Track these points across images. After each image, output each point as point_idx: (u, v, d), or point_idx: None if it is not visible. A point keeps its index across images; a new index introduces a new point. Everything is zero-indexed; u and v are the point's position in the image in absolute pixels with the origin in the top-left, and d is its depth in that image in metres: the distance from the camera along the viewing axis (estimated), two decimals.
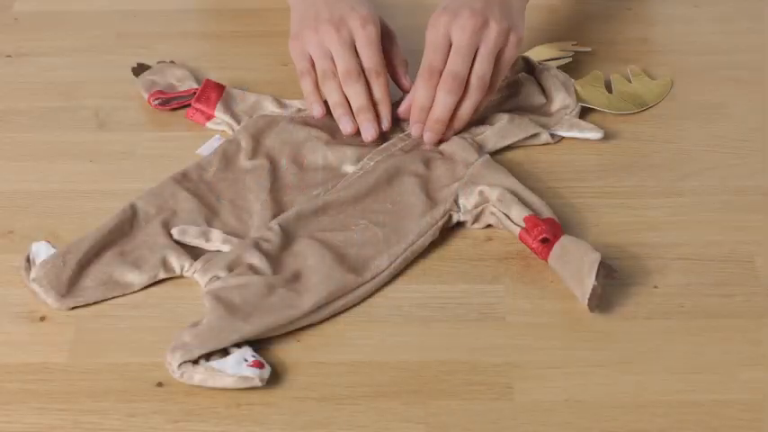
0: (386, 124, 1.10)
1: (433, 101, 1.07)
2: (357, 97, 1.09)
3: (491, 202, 1.01)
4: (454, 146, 1.07)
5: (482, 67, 1.06)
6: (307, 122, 1.11)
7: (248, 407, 0.88)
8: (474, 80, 1.06)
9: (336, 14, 1.12)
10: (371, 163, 1.06)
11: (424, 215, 1.01)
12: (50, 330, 0.93)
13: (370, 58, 1.11)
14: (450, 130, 1.08)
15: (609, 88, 1.15)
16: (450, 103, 1.06)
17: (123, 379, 0.90)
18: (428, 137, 1.08)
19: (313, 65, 1.12)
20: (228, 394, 0.88)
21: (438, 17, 1.07)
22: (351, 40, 1.11)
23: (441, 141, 1.08)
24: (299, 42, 1.13)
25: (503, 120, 1.09)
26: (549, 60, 1.16)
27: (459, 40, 1.06)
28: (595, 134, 1.09)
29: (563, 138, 1.10)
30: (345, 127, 1.09)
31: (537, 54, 1.17)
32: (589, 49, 1.19)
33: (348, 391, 0.89)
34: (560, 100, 1.12)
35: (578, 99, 1.12)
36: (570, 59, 1.18)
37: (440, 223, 1.00)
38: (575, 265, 0.93)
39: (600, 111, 1.12)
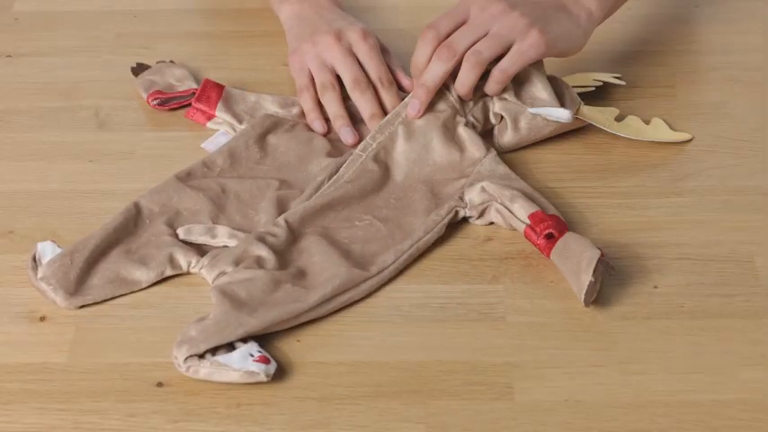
0: None
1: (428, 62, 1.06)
2: (369, 105, 1.09)
3: (497, 199, 1.01)
4: (464, 134, 1.07)
5: (481, 45, 1.04)
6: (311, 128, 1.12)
7: (248, 407, 0.88)
8: (467, 54, 1.04)
9: (335, 27, 1.13)
10: (374, 144, 1.06)
11: (428, 212, 1.01)
12: (50, 330, 0.93)
13: (377, 67, 1.11)
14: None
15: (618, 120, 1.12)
16: (438, 72, 1.05)
17: (123, 379, 0.90)
18: (412, 104, 1.06)
19: (312, 80, 1.12)
20: (229, 394, 0.88)
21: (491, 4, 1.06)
22: (351, 50, 1.11)
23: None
24: (297, 57, 1.13)
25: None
26: (573, 87, 1.12)
27: (474, 17, 1.05)
28: (565, 114, 1.07)
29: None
30: (347, 138, 1.09)
31: (569, 79, 1.13)
32: (624, 83, 1.16)
33: (348, 391, 0.89)
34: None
35: (580, 115, 1.10)
36: (593, 89, 1.15)
37: (446, 220, 1.00)
38: (574, 261, 0.94)
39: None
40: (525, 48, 1.04)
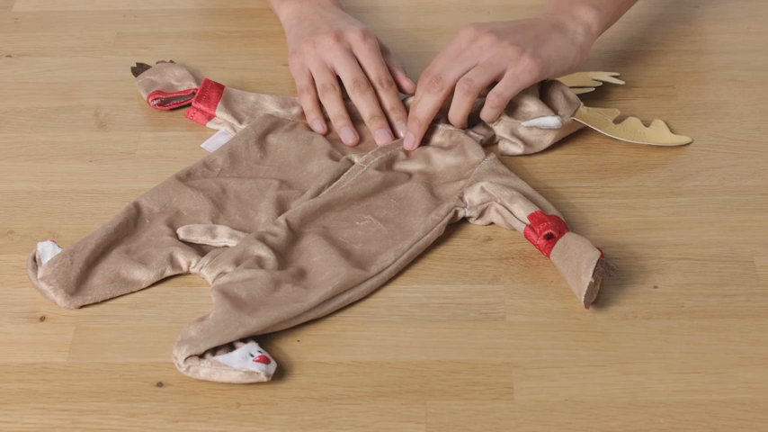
0: (403, 130, 1.10)
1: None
2: (369, 106, 1.10)
3: (497, 200, 1.01)
4: (463, 140, 1.07)
5: (472, 73, 1.05)
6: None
7: (248, 407, 0.88)
8: (459, 82, 1.05)
9: (335, 28, 1.13)
10: (376, 159, 1.06)
11: (428, 212, 1.01)
12: (50, 330, 0.93)
13: (376, 68, 1.11)
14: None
15: (617, 122, 1.12)
16: (428, 104, 1.06)
17: (123, 379, 0.90)
18: (407, 137, 1.08)
19: (312, 81, 1.12)
20: (228, 394, 0.88)
21: (466, 28, 1.07)
22: (351, 51, 1.11)
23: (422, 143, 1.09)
24: (297, 58, 1.13)
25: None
26: (573, 88, 1.13)
27: (463, 51, 1.06)
28: (554, 121, 1.07)
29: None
30: (347, 138, 1.09)
31: (567, 79, 1.14)
32: (623, 83, 1.17)
33: (348, 391, 0.89)
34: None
35: (579, 116, 1.10)
36: (593, 90, 1.15)
37: (446, 219, 1.00)
38: (573, 262, 0.94)
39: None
40: (519, 72, 1.05)
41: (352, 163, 1.06)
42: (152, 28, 1.27)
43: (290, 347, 0.92)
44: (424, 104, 1.06)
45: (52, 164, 1.09)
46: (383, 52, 1.15)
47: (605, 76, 1.16)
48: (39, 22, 1.28)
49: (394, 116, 1.10)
